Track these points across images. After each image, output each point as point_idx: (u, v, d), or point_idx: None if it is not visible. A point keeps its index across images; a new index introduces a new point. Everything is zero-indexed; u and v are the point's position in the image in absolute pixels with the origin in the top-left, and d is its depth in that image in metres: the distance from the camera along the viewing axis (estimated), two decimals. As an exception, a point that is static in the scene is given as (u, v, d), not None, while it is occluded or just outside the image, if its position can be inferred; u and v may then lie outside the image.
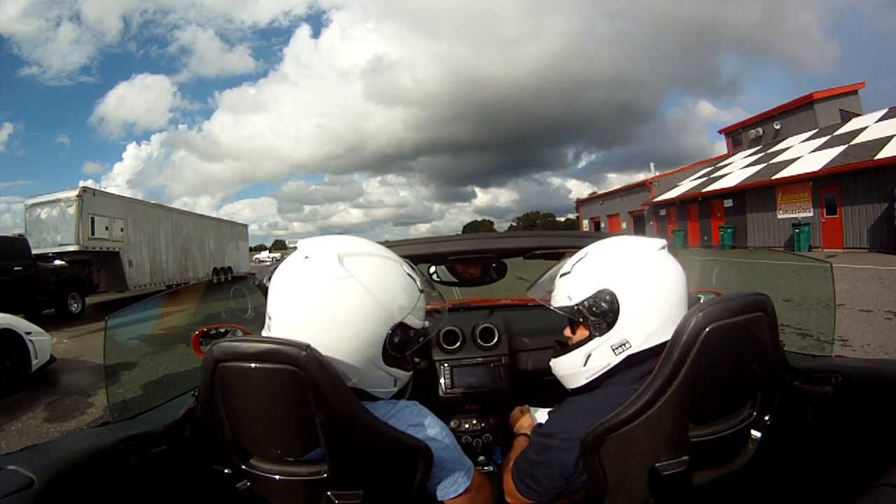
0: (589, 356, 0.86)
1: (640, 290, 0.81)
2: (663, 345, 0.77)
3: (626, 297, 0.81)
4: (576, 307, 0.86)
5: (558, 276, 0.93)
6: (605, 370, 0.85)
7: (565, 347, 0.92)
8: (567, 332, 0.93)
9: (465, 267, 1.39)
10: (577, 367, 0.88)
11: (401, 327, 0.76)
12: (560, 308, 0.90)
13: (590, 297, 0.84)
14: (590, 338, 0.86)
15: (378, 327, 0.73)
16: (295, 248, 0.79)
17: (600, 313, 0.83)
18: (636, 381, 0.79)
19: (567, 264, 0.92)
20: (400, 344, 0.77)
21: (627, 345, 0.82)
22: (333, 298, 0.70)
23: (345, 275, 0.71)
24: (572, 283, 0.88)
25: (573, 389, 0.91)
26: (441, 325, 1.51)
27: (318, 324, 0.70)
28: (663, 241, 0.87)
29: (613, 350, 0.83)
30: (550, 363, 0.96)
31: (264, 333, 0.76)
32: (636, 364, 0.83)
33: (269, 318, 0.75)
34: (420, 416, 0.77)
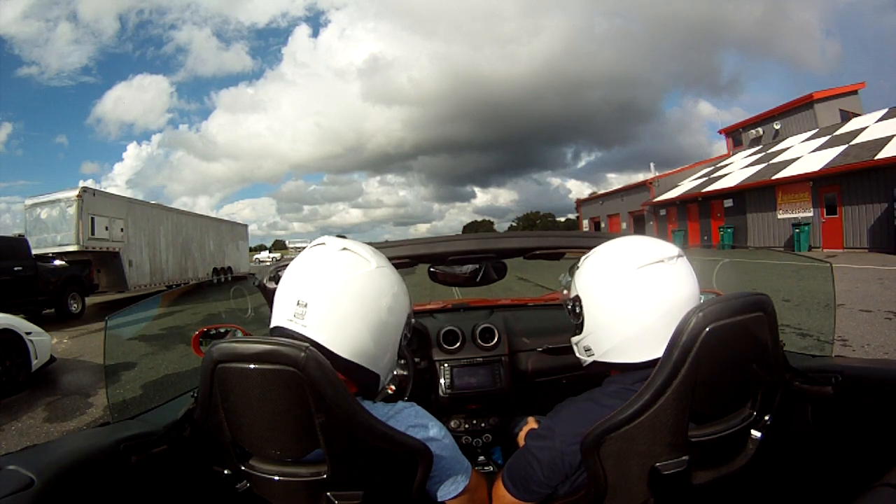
0: (576, 345, 0.94)
1: (601, 307, 0.84)
2: (634, 365, 0.81)
3: (588, 310, 0.86)
4: (565, 304, 0.95)
5: (577, 266, 0.97)
6: (586, 365, 0.91)
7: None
8: None
9: (462, 268, 1.39)
10: (576, 352, 0.95)
11: (410, 316, 0.84)
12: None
13: (570, 300, 0.91)
14: (576, 332, 0.93)
15: (405, 313, 0.81)
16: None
17: (574, 316, 0.90)
18: (637, 381, 0.79)
19: (582, 257, 0.94)
20: (409, 333, 0.84)
21: (591, 351, 0.88)
22: (379, 284, 0.76)
23: (384, 264, 0.79)
24: (572, 281, 0.94)
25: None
26: (442, 326, 1.51)
27: (364, 305, 0.74)
28: (665, 254, 0.81)
29: (585, 351, 0.90)
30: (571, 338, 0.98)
31: (289, 324, 0.73)
32: (630, 371, 0.84)
33: (302, 306, 0.72)
34: (419, 418, 0.78)
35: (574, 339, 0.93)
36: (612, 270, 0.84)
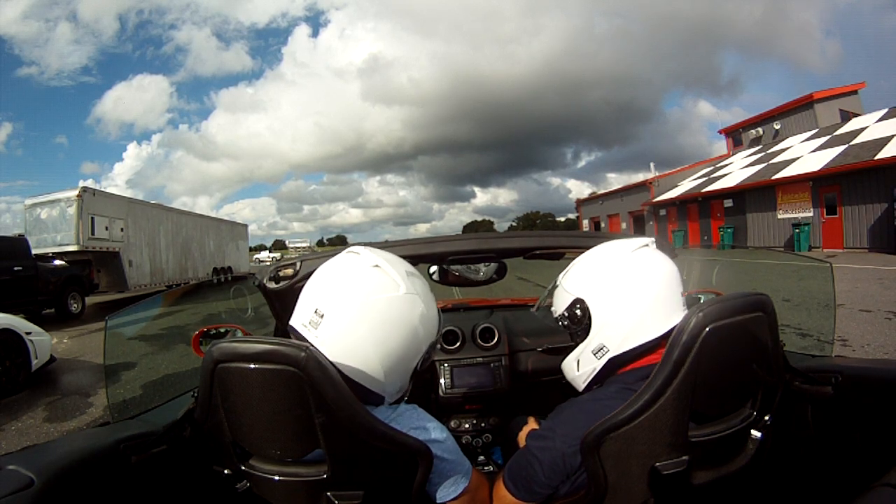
0: (578, 361, 0.90)
1: (607, 295, 0.84)
2: (649, 344, 0.81)
3: (595, 304, 0.85)
4: (560, 319, 0.92)
5: (554, 287, 0.97)
6: (595, 374, 0.88)
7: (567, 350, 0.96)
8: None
9: (465, 268, 1.39)
10: (573, 372, 0.92)
11: (432, 345, 0.81)
12: (555, 319, 0.95)
13: (567, 308, 0.89)
14: (576, 344, 0.90)
15: (427, 342, 0.78)
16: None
17: (576, 321, 0.88)
18: (638, 380, 0.80)
19: (559, 277, 0.96)
20: (427, 359, 0.81)
21: (605, 349, 0.85)
22: (402, 312, 0.73)
23: (413, 291, 0.75)
24: (557, 297, 0.94)
25: (582, 392, 0.93)
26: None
27: (382, 330, 0.72)
28: (645, 240, 0.89)
29: (594, 355, 0.87)
30: (561, 366, 0.97)
31: (303, 329, 0.73)
32: (630, 366, 0.85)
33: (318, 315, 0.72)
34: (420, 420, 0.78)
35: (577, 352, 0.90)
36: (610, 260, 0.87)
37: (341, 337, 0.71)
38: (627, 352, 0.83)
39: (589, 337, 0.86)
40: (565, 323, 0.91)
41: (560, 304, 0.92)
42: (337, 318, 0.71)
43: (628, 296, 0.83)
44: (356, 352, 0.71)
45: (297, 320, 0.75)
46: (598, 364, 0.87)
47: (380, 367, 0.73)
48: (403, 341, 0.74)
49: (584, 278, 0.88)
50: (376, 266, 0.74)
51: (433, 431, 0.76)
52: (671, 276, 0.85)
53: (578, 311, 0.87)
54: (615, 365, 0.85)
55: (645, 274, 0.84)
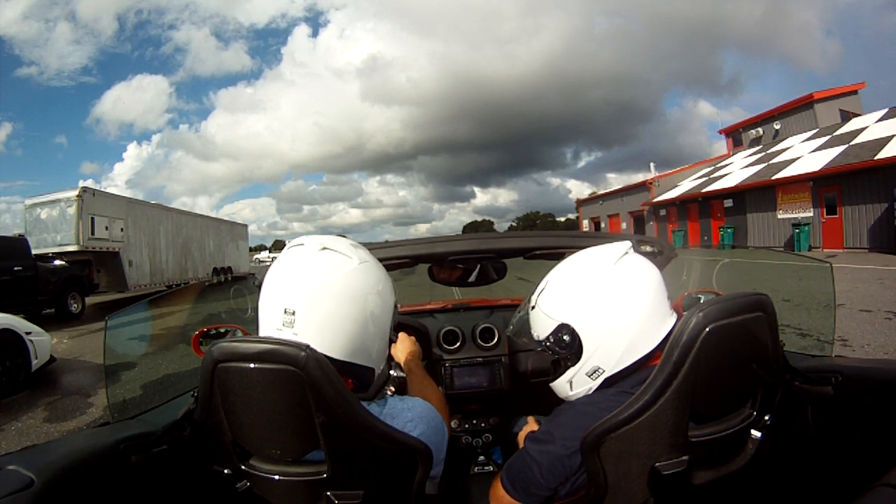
0: (571, 382, 0.88)
1: (597, 318, 0.81)
2: (645, 357, 0.81)
3: (585, 329, 0.82)
4: (543, 344, 0.89)
5: (529, 307, 0.94)
6: (591, 392, 0.86)
7: (557, 370, 0.94)
8: None
9: (462, 267, 1.39)
10: (566, 392, 0.90)
11: (396, 302, 0.85)
12: (535, 343, 0.92)
13: (552, 334, 0.86)
14: (566, 367, 0.87)
15: (392, 302, 0.82)
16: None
17: (565, 347, 0.84)
18: (636, 385, 0.79)
19: (533, 296, 0.92)
20: (396, 315, 0.85)
21: (600, 370, 0.83)
22: (364, 281, 0.76)
23: (366, 258, 0.78)
24: (536, 320, 0.90)
25: None
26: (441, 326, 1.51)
27: (354, 304, 0.74)
28: (623, 247, 0.85)
29: (589, 376, 0.84)
30: (552, 385, 0.96)
31: (279, 333, 0.72)
32: (629, 375, 0.83)
33: (290, 314, 0.71)
34: (411, 410, 0.78)
35: (569, 374, 0.87)
36: (594, 277, 0.83)
37: (321, 325, 0.71)
38: (624, 369, 0.82)
39: (581, 361, 0.83)
40: (552, 347, 0.87)
41: (542, 329, 0.88)
42: (308, 309, 0.71)
43: (620, 316, 0.80)
44: (337, 333, 0.72)
45: (270, 326, 0.73)
46: (594, 384, 0.85)
47: (361, 337, 0.75)
48: (374, 306, 0.76)
49: (568, 301, 0.84)
50: (324, 248, 0.76)
51: (419, 424, 0.77)
52: (657, 283, 0.83)
53: (567, 337, 0.83)
54: (611, 382, 0.84)
55: (633, 288, 0.81)
